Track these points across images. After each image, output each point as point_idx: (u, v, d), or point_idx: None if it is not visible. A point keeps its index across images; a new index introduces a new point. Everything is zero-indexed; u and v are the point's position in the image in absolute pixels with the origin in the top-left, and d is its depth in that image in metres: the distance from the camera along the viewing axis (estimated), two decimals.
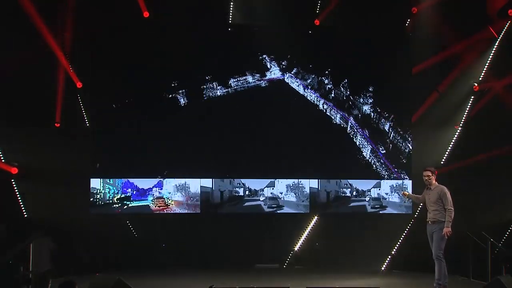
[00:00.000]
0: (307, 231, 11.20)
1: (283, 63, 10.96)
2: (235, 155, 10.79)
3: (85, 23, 10.37)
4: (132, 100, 10.61)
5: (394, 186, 11.06)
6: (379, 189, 11.06)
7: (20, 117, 9.80)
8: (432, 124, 11.04)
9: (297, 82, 10.90)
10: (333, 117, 11.01)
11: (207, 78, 10.74)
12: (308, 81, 10.96)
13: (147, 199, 10.65)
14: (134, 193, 10.62)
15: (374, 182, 11.07)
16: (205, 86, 10.70)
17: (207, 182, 10.77)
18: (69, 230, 9.93)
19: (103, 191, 10.55)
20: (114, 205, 10.56)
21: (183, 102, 10.70)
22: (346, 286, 8.86)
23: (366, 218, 11.08)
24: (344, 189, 11.06)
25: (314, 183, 10.99)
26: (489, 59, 10.70)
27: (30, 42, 9.73)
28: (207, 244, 10.84)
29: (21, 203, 9.96)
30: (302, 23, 11.04)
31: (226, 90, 10.78)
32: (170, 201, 10.64)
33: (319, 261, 10.96)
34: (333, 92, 11.04)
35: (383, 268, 11.00)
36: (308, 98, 10.94)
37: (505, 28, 10.48)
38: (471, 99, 10.91)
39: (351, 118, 11.05)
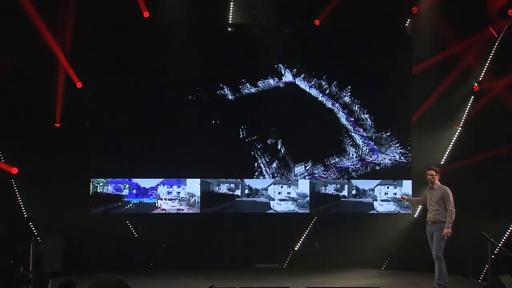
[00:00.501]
0: (307, 231, 11.20)
1: (294, 70, 11.04)
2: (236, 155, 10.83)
3: (85, 23, 10.37)
4: (132, 100, 10.61)
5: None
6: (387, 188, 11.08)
7: (20, 117, 9.80)
8: (432, 124, 11.03)
9: (305, 84, 11.07)
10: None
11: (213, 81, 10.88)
12: (312, 83, 11.05)
13: (147, 199, 10.67)
14: (134, 192, 10.62)
15: (376, 182, 11.09)
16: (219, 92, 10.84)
17: (208, 182, 10.80)
18: (68, 230, 9.92)
19: (103, 191, 10.56)
20: (114, 205, 10.56)
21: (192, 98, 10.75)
22: (346, 286, 8.86)
23: (366, 218, 11.08)
24: (344, 189, 11.07)
25: (313, 182, 11.04)
26: (489, 59, 10.70)
27: (30, 42, 9.73)
28: (207, 244, 10.84)
29: (21, 203, 9.96)
30: (304, 24, 11.08)
31: (235, 95, 10.86)
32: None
33: (319, 261, 10.96)
34: (334, 93, 11.11)
35: (383, 268, 11.00)
36: (314, 95, 11.06)
37: (505, 28, 10.47)
38: (471, 99, 10.91)
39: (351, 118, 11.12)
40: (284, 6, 10.72)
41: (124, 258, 10.50)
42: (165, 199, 10.71)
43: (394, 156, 11.10)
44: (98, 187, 10.54)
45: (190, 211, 10.75)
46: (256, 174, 10.89)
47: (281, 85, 11.01)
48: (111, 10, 10.29)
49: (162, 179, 10.71)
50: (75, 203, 10.16)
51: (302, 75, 11.05)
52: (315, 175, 11.01)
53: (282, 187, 10.94)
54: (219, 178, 10.83)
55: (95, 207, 10.49)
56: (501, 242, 9.79)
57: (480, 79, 10.82)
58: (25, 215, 9.95)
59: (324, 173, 11.04)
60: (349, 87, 11.11)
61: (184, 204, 10.73)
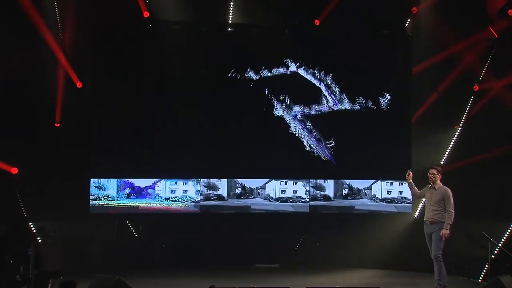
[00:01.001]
0: (307, 231, 11.20)
1: (297, 64, 11.03)
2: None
3: (85, 23, 10.37)
4: (132, 100, 10.60)
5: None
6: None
7: (20, 117, 9.79)
8: (432, 124, 11.03)
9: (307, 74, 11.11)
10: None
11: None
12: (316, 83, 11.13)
13: (147, 199, 10.67)
14: (134, 192, 10.63)
15: (370, 181, 11.10)
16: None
17: (207, 182, 10.83)
18: (68, 230, 9.92)
19: (103, 191, 10.56)
20: (114, 205, 10.56)
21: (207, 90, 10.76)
22: (346, 286, 8.86)
23: (366, 218, 11.08)
24: (343, 188, 11.08)
25: (313, 182, 11.05)
26: (489, 59, 10.70)
27: (30, 42, 9.73)
28: (207, 244, 10.85)
29: (21, 203, 9.95)
30: (305, 24, 11.09)
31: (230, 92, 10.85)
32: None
33: (319, 261, 10.96)
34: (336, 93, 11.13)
35: (383, 268, 10.98)
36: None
37: (505, 28, 10.46)
38: (471, 99, 10.90)
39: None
40: (285, 7, 10.72)
41: (124, 258, 10.49)
42: (166, 199, 10.71)
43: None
44: (98, 187, 10.54)
45: (190, 211, 10.75)
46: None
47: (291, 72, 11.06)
48: (111, 10, 10.28)
49: (162, 179, 10.71)
50: (75, 203, 10.15)
51: (303, 69, 11.06)
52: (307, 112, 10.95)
53: (284, 183, 10.95)
54: (219, 178, 10.85)
55: (95, 207, 10.48)
56: (501, 242, 9.80)
57: (480, 79, 10.82)
58: (25, 215, 9.94)
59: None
60: (348, 88, 11.12)
61: (185, 204, 10.73)
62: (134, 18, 10.52)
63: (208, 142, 10.70)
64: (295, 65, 11.03)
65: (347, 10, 10.79)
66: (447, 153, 10.97)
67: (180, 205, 10.71)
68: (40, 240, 9.32)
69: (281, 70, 11.01)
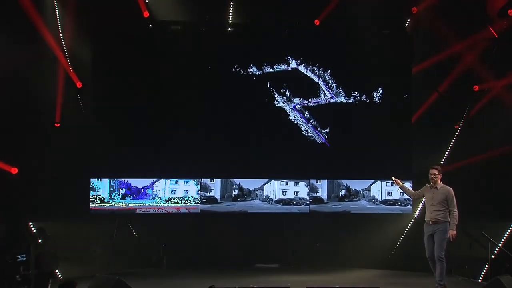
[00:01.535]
0: (308, 230, 11.19)
1: (298, 61, 11.10)
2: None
3: (85, 23, 10.37)
4: (132, 99, 10.62)
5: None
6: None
7: (20, 117, 9.79)
8: (432, 124, 11.03)
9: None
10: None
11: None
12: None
13: (147, 199, 10.67)
14: (134, 192, 10.63)
15: (369, 182, 11.11)
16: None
17: (207, 181, 10.84)
18: (68, 230, 9.92)
19: (103, 191, 10.56)
20: (114, 205, 10.56)
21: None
22: (346, 286, 8.85)
23: (366, 218, 11.08)
24: (342, 188, 11.08)
25: (313, 182, 11.08)
26: (489, 59, 10.69)
27: (30, 42, 9.73)
28: (207, 244, 10.85)
29: (20, 203, 9.96)
30: (305, 24, 11.10)
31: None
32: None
33: (319, 261, 10.96)
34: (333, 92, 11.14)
35: (383, 268, 10.98)
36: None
37: (505, 28, 10.46)
38: (471, 99, 10.90)
39: None
40: (285, 7, 10.72)
41: (125, 258, 10.49)
42: (166, 200, 10.71)
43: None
44: (98, 187, 10.54)
45: (190, 211, 10.75)
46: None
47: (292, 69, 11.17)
48: (111, 10, 10.28)
49: (163, 179, 10.72)
50: (75, 203, 10.16)
51: (304, 65, 11.12)
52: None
53: (285, 183, 11.00)
54: (219, 178, 10.87)
55: (95, 207, 10.48)
56: (501, 242, 9.80)
57: (480, 79, 10.81)
58: (25, 216, 9.94)
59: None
60: (349, 88, 11.14)
61: (185, 204, 10.73)
62: (134, 18, 10.52)
63: (208, 142, 10.72)
64: (296, 62, 11.07)
65: (347, 10, 10.80)
66: (447, 153, 10.97)
67: (181, 204, 10.73)
68: (40, 241, 9.30)
69: (282, 66, 11.05)
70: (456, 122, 10.99)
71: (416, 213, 11.02)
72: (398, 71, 11.19)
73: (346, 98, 11.10)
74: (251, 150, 10.87)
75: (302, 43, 11.10)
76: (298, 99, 11.05)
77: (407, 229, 11.06)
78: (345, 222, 11.02)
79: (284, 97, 10.98)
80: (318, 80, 11.09)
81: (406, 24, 11.20)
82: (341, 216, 11.08)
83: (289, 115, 11.06)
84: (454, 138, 10.98)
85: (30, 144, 9.82)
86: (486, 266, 9.46)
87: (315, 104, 11.08)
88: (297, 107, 11.03)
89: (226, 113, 10.85)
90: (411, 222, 11.03)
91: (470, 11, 10.50)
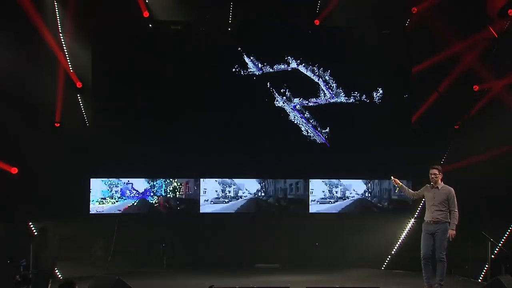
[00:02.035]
0: (308, 230, 11.19)
1: (298, 61, 11.13)
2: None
3: (85, 23, 10.37)
4: (133, 99, 10.62)
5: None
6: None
7: (20, 117, 9.80)
8: (432, 124, 11.03)
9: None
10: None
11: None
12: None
13: (147, 199, 10.68)
14: (134, 192, 10.63)
15: (369, 181, 11.15)
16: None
17: (208, 181, 10.84)
18: (68, 230, 9.92)
19: (102, 191, 10.56)
20: (114, 205, 10.56)
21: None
22: (346, 286, 8.86)
23: (365, 218, 11.09)
24: (342, 188, 11.09)
25: (313, 182, 11.10)
26: (489, 59, 10.69)
27: (30, 42, 9.73)
28: (207, 244, 10.85)
29: (20, 203, 9.96)
30: (304, 24, 11.12)
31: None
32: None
33: (319, 261, 10.96)
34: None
35: (383, 268, 10.99)
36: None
37: (505, 28, 10.47)
38: (471, 99, 10.90)
39: None
40: (285, 7, 10.73)
41: (125, 258, 10.49)
42: (166, 202, 10.71)
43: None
44: (98, 187, 10.54)
45: (190, 211, 10.75)
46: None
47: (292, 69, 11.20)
48: (111, 10, 10.29)
49: (163, 179, 10.72)
50: (75, 203, 10.16)
51: (304, 65, 11.14)
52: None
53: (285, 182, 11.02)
54: (218, 178, 10.88)
55: (95, 207, 10.48)
56: (501, 242, 9.80)
57: (480, 79, 10.81)
58: (25, 216, 9.94)
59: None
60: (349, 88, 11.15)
61: (186, 203, 10.74)
62: (134, 18, 10.52)
63: (208, 141, 10.73)
64: (296, 62, 11.08)
65: (347, 10, 10.80)
66: (447, 153, 10.97)
67: (181, 204, 10.74)
68: (40, 241, 9.30)
69: (282, 66, 11.06)
70: (456, 122, 10.99)
71: (416, 213, 11.01)
72: (398, 71, 11.22)
73: (346, 98, 11.13)
74: (251, 150, 10.86)
75: (302, 43, 11.12)
76: (298, 99, 11.07)
77: (407, 229, 11.06)
78: (345, 222, 11.01)
79: (284, 97, 11.00)
80: (318, 80, 11.11)
81: (406, 24, 11.20)
82: (340, 215, 11.09)
83: (289, 115, 11.08)
84: (454, 138, 10.98)
85: (30, 144, 9.82)
86: (486, 266, 9.46)
87: (315, 104, 11.11)
88: (297, 107, 11.06)
89: (226, 113, 10.84)
90: (410, 222, 11.03)
91: (470, 11, 10.51)
